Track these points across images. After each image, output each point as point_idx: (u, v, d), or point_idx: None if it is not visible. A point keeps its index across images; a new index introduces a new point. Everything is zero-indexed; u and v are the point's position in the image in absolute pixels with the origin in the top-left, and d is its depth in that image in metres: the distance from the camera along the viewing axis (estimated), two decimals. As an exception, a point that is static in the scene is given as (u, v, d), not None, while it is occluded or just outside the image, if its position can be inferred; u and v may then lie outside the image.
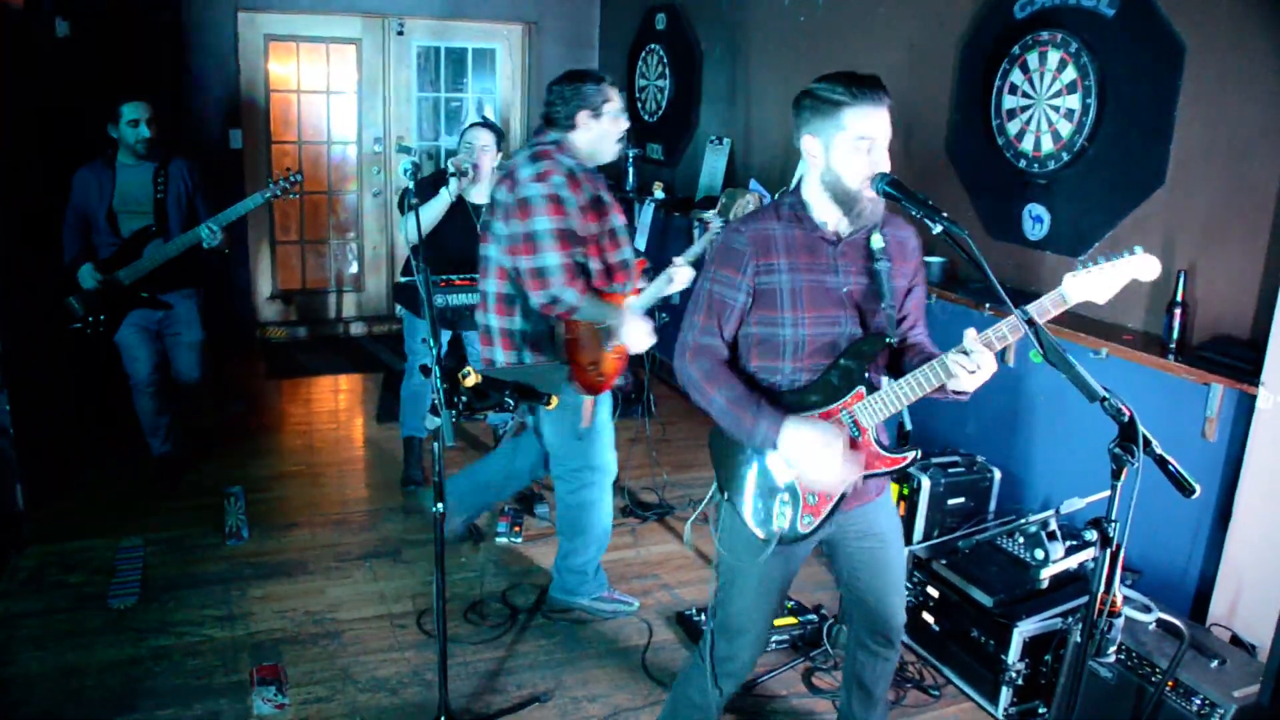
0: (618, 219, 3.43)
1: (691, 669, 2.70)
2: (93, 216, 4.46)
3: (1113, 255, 2.14)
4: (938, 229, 2.10)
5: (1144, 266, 2.14)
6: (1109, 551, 2.06)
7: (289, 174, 4.63)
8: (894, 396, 2.32)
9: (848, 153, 2.23)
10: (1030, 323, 2.07)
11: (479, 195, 4.46)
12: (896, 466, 2.42)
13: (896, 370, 2.48)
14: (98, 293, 4.43)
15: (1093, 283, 2.14)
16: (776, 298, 2.33)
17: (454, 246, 4.37)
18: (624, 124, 3.41)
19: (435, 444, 2.69)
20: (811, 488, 2.37)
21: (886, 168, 2.25)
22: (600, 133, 3.36)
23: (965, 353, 2.17)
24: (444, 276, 4.37)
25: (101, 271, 4.42)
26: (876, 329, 2.41)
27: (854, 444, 2.37)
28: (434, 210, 4.33)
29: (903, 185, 2.18)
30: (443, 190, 4.34)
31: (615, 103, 3.36)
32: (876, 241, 2.38)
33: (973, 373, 2.17)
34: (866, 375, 2.36)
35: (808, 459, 2.29)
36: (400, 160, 3.06)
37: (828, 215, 2.35)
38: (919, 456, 2.40)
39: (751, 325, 2.38)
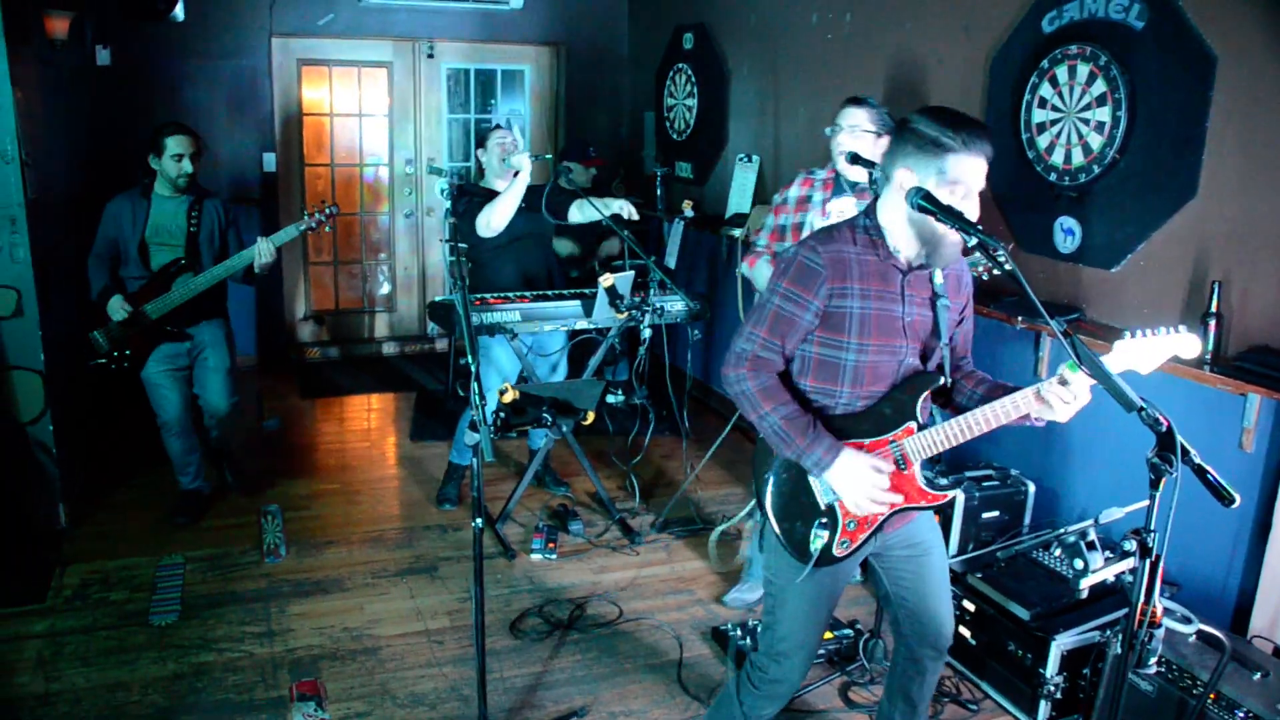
0: (789, 218, 3.82)
1: (732, 689, 2.69)
2: (124, 247, 4.39)
3: (1156, 328, 2.17)
4: (973, 243, 2.12)
5: (1187, 344, 2.17)
6: (1149, 562, 2.06)
7: (325, 206, 4.57)
8: (947, 435, 2.33)
9: (942, 197, 2.21)
10: (1067, 334, 2.08)
11: (500, 183, 4.62)
12: (937, 503, 2.44)
13: (946, 402, 2.51)
14: (124, 326, 4.33)
15: (1138, 350, 2.17)
16: (846, 322, 2.32)
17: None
18: (846, 140, 3.63)
19: (474, 459, 2.72)
20: (853, 512, 2.39)
21: (976, 216, 2.24)
22: (836, 141, 3.68)
23: (1064, 383, 2.17)
24: (479, 295, 4.42)
25: (131, 304, 4.32)
26: (935, 367, 2.43)
27: (899, 474, 2.39)
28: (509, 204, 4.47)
29: (936, 200, 2.18)
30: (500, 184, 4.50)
31: (842, 120, 3.65)
32: (938, 277, 2.40)
33: (1068, 403, 2.18)
34: (918, 411, 2.37)
35: (856, 489, 2.32)
36: (437, 181, 3.10)
37: (903, 244, 2.34)
38: (958, 498, 2.40)
39: (814, 346, 2.38)
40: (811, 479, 2.41)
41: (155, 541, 4.45)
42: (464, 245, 2.90)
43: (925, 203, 2.18)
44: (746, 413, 2.39)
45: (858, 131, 3.59)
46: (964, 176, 2.22)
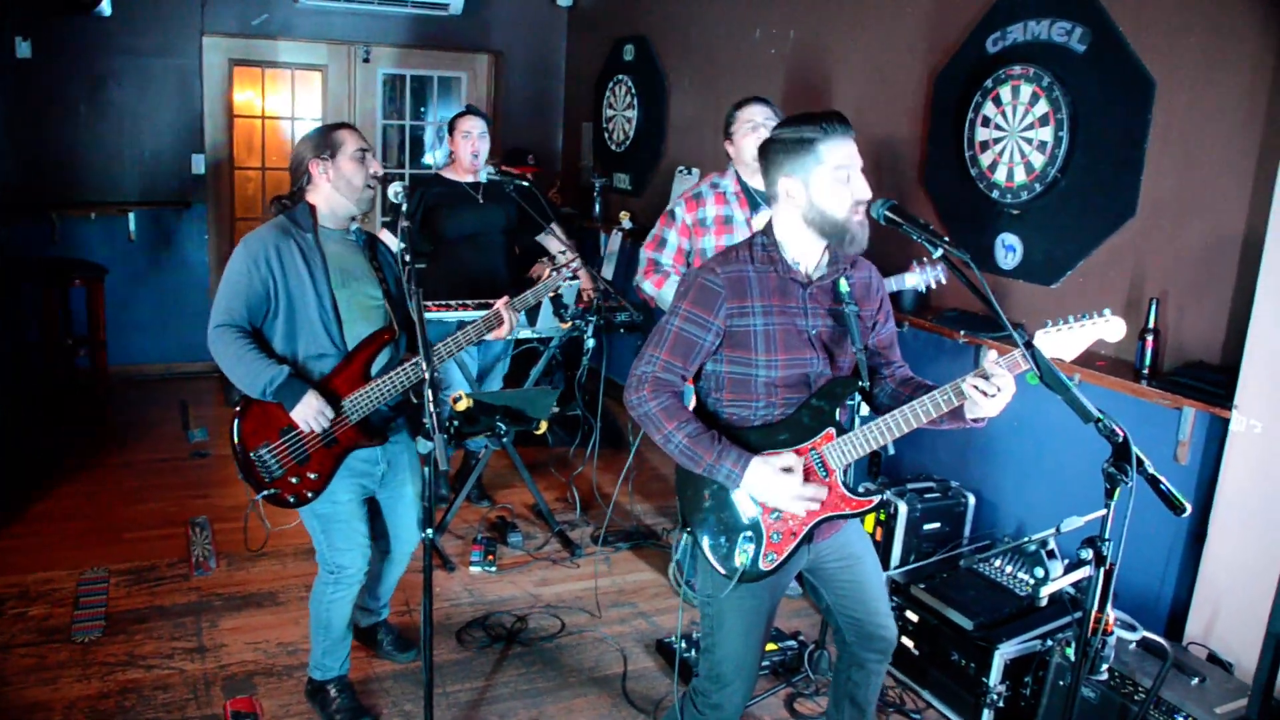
0: (710, 240, 3.75)
1: (676, 711, 2.66)
2: (294, 313, 2.90)
3: (1083, 316, 2.19)
4: (938, 253, 2.14)
5: (1111, 329, 2.20)
6: (1103, 570, 2.10)
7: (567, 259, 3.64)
8: (867, 438, 2.35)
9: (829, 185, 2.27)
10: (1028, 345, 2.11)
11: (465, 174, 4.67)
12: (860, 510, 2.43)
13: (874, 406, 2.53)
14: (322, 437, 2.94)
15: (1062, 341, 2.19)
16: (750, 339, 2.36)
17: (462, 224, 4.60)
18: (751, 141, 3.61)
19: (426, 469, 2.66)
20: (788, 515, 2.39)
21: (868, 195, 2.30)
22: (738, 146, 3.72)
23: (985, 376, 2.19)
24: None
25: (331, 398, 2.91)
26: (851, 373, 2.46)
27: (821, 483, 2.39)
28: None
29: (903, 210, 2.22)
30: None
31: (742, 118, 3.68)
32: (843, 286, 2.43)
33: (992, 396, 2.18)
34: (838, 416, 2.39)
35: (774, 493, 2.32)
36: (390, 185, 2.97)
37: (802, 255, 2.39)
38: (883, 503, 2.42)
39: (724, 365, 2.41)
40: (733, 495, 2.41)
41: (76, 554, 4.26)
42: (411, 250, 2.82)
43: (893, 214, 2.21)
44: (651, 434, 2.38)
45: (760, 129, 3.60)
46: (844, 159, 2.27)
